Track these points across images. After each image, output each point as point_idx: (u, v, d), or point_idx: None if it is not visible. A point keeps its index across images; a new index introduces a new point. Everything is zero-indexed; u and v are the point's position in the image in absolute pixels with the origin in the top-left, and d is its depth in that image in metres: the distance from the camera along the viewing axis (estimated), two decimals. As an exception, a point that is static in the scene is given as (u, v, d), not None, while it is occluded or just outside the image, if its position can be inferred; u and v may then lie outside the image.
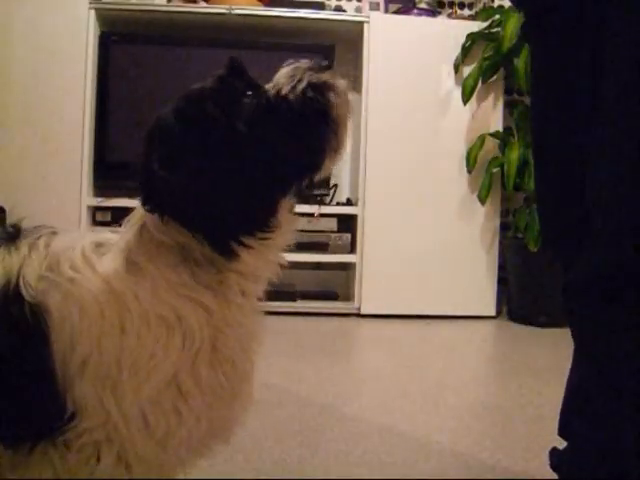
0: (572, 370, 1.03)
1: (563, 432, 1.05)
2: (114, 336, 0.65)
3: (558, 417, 1.06)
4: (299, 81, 0.70)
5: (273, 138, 0.69)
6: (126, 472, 0.67)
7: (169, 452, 0.68)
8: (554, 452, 1.07)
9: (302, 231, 2.94)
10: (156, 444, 0.67)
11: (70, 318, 0.65)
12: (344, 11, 3.28)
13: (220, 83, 0.70)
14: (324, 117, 0.71)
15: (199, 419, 0.69)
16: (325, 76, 0.72)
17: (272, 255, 0.74)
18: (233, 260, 0.69)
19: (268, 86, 0.73)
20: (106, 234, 0.74)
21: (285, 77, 0.72)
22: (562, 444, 1.06)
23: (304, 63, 0.73)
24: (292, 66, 0.73)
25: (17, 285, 0.66)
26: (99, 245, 0.71)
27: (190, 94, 0.71)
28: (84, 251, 0.69)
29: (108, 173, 2.91)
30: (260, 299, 0.76)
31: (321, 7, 3.10)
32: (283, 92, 0.70)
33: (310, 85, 0.71)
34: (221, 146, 0.67)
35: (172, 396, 0.67)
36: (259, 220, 0.69)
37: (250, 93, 0.70)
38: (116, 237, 0.73)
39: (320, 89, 0.71)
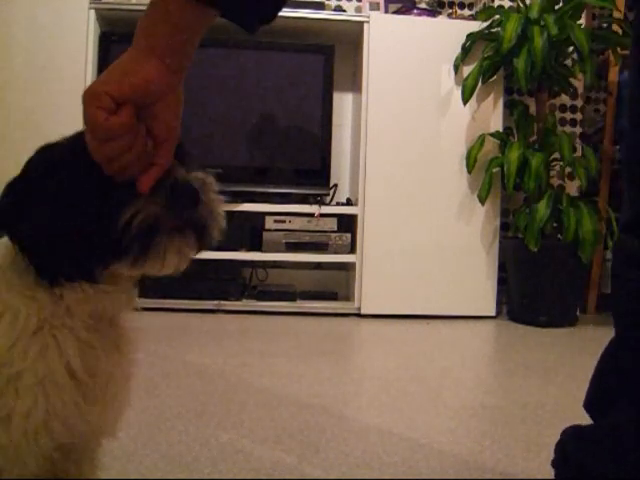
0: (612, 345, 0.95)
1: (593, 408, 0.97)
2: None
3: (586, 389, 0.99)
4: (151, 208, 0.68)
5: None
6: None
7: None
8: (568, 436, 0.99)
9: (302, 231, 2.95)
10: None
11: None
12: (344, 11, 3.28)
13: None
14: (142, 246, 0.69)
15: (43, 418, 0.69)
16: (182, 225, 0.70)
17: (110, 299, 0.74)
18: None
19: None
20: None
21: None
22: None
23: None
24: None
25: None
26: None
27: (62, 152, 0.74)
28: None
29: (108, 173, 2.91)
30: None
31: (321, 7, 3.11)
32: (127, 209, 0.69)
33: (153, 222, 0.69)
34: (69, 203, 0.68)
35: (10, 386, 0.67)
36: (81, 273, 0.70)
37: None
38: None
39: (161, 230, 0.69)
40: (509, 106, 3.08)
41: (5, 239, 0.71)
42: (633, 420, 0.86)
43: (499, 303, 3.02)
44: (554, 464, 1.01)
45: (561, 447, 1.00)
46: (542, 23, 2.70)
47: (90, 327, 0.72)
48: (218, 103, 2.92)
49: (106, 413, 0.74)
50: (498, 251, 3.00)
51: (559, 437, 1.02)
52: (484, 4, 3.32)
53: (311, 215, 2.95)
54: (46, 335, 0.69)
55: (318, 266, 3.25)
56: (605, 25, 3.16)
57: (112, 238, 0.67)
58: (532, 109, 3.03)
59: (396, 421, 1.50)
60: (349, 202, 3.11)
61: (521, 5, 2.87)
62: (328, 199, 3.09)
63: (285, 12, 3.12)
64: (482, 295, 2.98)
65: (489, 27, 2.92)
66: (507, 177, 2.76)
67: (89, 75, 2.83)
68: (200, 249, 0.73)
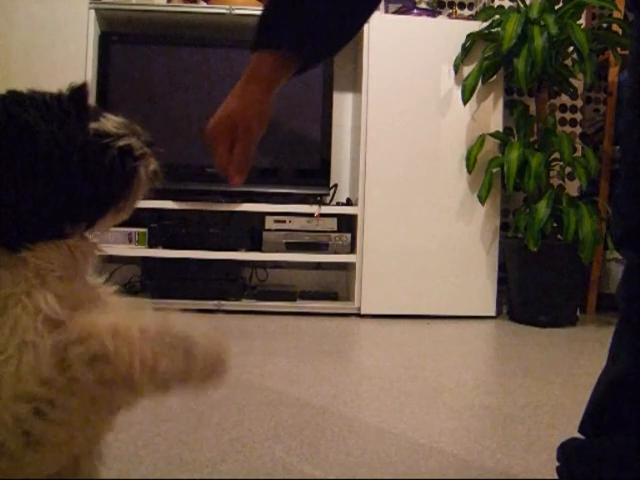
0: (613, 360, 0.98)
1: (591, 429, 1.00)
2: None
3: (582, 413, 1.01)
4: (123, 137, 0.73)
5: (78, 174, 0.70)
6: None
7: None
8: (572, 445, 1.02)
9: (302, 231, 2.95)
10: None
11: None
12: (344, 11, 3.28)
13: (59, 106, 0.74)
14: (125, 179, 0.73)
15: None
16: (145, 150, 0.74)
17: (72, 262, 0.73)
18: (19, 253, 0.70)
19: (94, 125, 0.74)
20: None
21: (115, 127, 0.73)
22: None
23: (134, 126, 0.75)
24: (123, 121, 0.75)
25: None
26: None
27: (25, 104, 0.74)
28: None
29: (108, 173, 2.91)
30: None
31: (321, 7, 3.10)
32: (105, 140, 0.72)
33: (129, 148, 0.73)
34: (32, 165, 0.68)
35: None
36: (42, 235, 0.70)
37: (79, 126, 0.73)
38: None
39: (135, 157, 0.73)
40: (509, 106, 3.08)
41: None
42: (628, 441, 0.90)
43: (499, 303, 3.01)
44: (559, 473, 1.02)
45: (564, 458, 1.02)
46: (542, 23, 2.70)
47: (64, 278, 0.71)
48: (218, 103, 2.92)
49: None
50: (498, 251, 2.99)
51: (558, 447, 1.03)
52: (484, 4, 3.32)
53: (311, 215, 2.95)
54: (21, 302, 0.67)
55: (318, 266, 3.25)
56: (605, 25, 3.15)
57: (98, 194, 0.70)
58: (532, 109, 3.03)
59: (396, 421, 1.50)
60: (349, 202, 3.11)
61: (521, 5, 2.87)
62: (328, 199, 3.09)
63: (285, 12, 3.11)
64: (482, 295, 2.98)
65: (489, 27, 2.92)
66: (507, 177, 2.76)
67: (89, 75, 2.83)
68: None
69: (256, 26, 0.88)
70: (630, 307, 0.95)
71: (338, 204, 3.10)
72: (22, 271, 0.69)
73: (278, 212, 2.94)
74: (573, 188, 3.16)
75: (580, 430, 1.01)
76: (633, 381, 0.93)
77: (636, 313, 0.94)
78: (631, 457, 0.90)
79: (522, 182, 2.78)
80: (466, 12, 3.46)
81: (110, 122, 0.74)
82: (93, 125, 0.74)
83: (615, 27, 3.01)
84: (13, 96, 0.74)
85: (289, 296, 2.95)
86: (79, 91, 0.75)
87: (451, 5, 3.48)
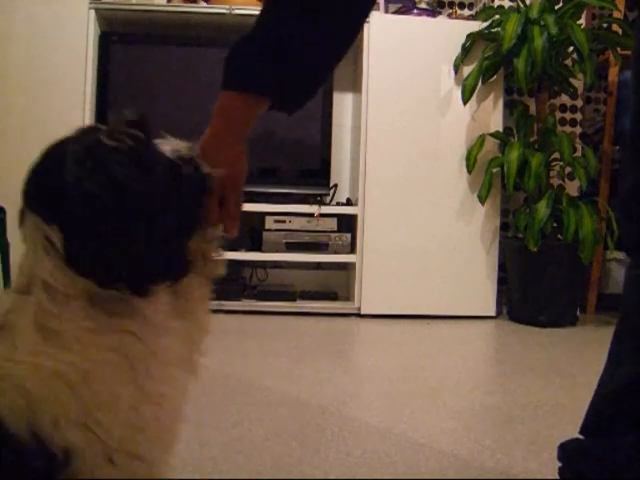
0: (615, 364, 0.98)
1: (592, 431, 1.01)
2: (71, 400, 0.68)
3: (584, 414, 1.02)
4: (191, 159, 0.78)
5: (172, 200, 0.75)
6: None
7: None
8: (572, 446, 1.02)
9: (302, 231, 2.95)
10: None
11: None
12: (344, 11, 3.27)
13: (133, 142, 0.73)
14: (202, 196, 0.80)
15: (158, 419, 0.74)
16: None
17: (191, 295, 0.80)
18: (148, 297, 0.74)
19: (164, 149, 0.77)
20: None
21: (177, 149, 0.78)
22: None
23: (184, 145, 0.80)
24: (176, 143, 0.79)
25: None
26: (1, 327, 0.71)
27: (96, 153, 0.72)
28: None
29: (108, 173, 2.91)
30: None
31: (321, 7, 3.10)
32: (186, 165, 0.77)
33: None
34: (126, 208, 0.70)
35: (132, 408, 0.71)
36: (170, 267, 0.75)
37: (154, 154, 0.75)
38: (14, 304, 0.73)
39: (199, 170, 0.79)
40: (509, 106, 3.08)
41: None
42: (629, 442, 0.91)
43: (499, 303, 3.01)
44: (561, 474, 1.02)
45: (566, 458, 1.02)
46: (542, 23, 2.70)
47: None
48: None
49: None
50: (498, 251, 2.99)
51: (559, 448, 1.03)
52: (484, 4, 3.32)
53: (311, 215, 2.95)
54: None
55: (318, 266, 3.25)
56: (605, 25, 3.15)
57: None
58: (532, 109, 3.03)
59: (396, 421, 1.50)
60: (349, 202, 3.11)
61: (521, 5, 2.87)
62: (328, 199, 3.09)
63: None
64: (482, 295, 2.98)
65: (489, 27, 2.92)
66: (507, 177, 2.76)
67: (89, 75, 2.83)
68: None
69: (224, 60, 0.81)
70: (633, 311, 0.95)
71: (338, 204, 3.10)
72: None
73: (278, 212, 2.94)
74: (573, 188, 3.16)
75: (581, 432, 1.01)
76: (635, 383, 0.93)
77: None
78: (632, 457, 0.91)
79: (522, 182, 2.78)
80: (466, 12, 3.46)
81: (171, 144, 0.78)
82: (166, 151, 0.77)
83: (615, 27, 3.01)
84: (97, 150, 0.73)
85: (289, 296, 2.95)
86: (143, 124, 0.77)
87: (451, 5, 3.48)
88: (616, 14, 3.03)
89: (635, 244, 0.95)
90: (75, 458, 0.69)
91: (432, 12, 3.18)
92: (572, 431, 1.03)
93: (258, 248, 2.94)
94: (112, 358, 0.71)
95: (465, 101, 2.88)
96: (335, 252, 2.96)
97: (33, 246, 0.71)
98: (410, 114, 2.94)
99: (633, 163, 0.94)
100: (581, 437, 1.00)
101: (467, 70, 2.91)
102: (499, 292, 3.00)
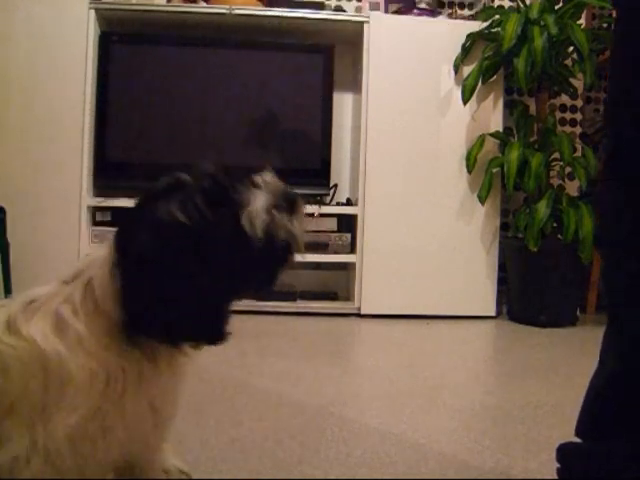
0: (602, 364, 0.99)
1: (586, 432, 1.01)
2: (36, 393, 0.71)
3: (577, 415, 1.02)
4: (269, 220, 0.77)
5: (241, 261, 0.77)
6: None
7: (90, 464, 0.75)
8: (570, 447, 1.03)
9: (302, 231, 2.94)
10: (80, 457, 0.73)
11: None
12: (344, 11, 3.27)
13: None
14: (283, 257, 0.80)
15: (121, 444, 0.77)
16: (289, 220, 0.79)
17: None
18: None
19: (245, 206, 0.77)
20: (39, 289, 0.78)
21: (260, 210, 0.77)
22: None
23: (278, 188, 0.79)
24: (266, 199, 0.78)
25: None
26: (30, 302, 0.76)
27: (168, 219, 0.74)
28: (10, 318, 0.74)
29: (108, 173, 2.91)
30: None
31: (321, 7, 3.10)
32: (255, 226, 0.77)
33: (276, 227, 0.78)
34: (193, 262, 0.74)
35: (97, 424, 0.74)
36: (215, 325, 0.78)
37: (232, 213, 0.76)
38: (51, 290, 0.77)
39: (284, 231, 0.78)
40: (509, 106, 3.08)
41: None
42: (625, 445, 0.91)
43: (499, 303, 3.01)
44: (559, 475, 1.03)
45: (563, 460, 1.02)
46: (542, 23, 2.70)
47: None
48: (218, 103, 2.92)
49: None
50: (498, 251, 2.99)
51: (557, 449, 1.03)
52: (484, 4, 3.32)
53: (311, 215, 2.94)
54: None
55: (318, 266, 3.25)
56: (605, 25, 3.15)
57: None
58: (532, 109, 3.03)
59: (396, 421, 1.50)
60: (349, 202, 3.11)
61: (521, 5, 2.87)
62: (328, 199, 3.09)
63: (285, 12, 3.13)
64: (482, 295, 2.98)
65: (489, 27, 2.92)
66: (507, 177, 2.76)
67: (89, 75, 2.83)
68: None
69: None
70: (619, 310, 0.95)
71: (338, 204, 3.10)
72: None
73: (278, 212, 2.93)
74: (573, 188, 3.16)
75: (576, 433, 1.01)
76: (618, 384, 0.94)
77: (623, 316, 0.94)
78: (628, 459, 0.91)
79: (522, 182, 2.78)
80: (466, 12, 3.46)
81: (266, 196, 0.78)
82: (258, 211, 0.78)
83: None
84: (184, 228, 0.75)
85: (289, 296, 2.94)
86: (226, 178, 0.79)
87: (451, 5, 3.48)
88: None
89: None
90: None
91: (432, 12, 3.18)
92: (572, 431, 1.03)
93: (258, 248, 2.93)
94: (92, 367, 0.72)
95: (465, 101, 2.88)
96: (335, 252, 2.96)
97: (105, 260, 0.75)
98: (410, 114, 2.94)
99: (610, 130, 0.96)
100: (578, 440, 1.01)
101: (467, 70, 2.91)
102: (499, 292, 3.00)
